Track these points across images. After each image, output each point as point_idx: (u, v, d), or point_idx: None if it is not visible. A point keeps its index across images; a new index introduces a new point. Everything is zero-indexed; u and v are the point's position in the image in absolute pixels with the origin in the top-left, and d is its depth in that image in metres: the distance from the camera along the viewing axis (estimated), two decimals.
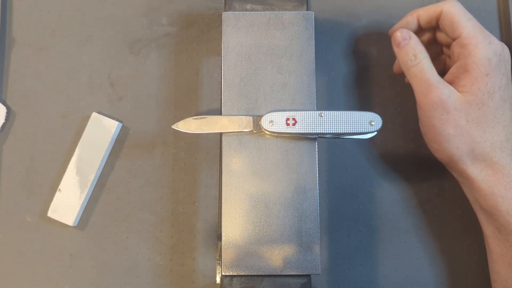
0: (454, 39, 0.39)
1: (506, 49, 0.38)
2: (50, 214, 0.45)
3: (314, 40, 0.40)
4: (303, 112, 0.37)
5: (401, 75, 0.45)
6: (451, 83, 0.38)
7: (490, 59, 0.37)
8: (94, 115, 0.46)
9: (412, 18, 0.41)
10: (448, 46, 0.42)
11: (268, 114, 0.37)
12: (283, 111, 0.37)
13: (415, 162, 0.46)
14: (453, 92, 0.37)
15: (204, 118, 0.39)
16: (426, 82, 0.38)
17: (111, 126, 0.46)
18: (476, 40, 0.37)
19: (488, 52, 0.37)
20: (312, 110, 0.37)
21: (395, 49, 0.40)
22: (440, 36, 0.42)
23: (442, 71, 0.40)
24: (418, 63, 0.38)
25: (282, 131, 0.37)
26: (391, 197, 0.45)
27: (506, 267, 0.37)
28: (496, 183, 0.37)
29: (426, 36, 0.43)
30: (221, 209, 0.38)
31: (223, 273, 0.37)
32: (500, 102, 0.37)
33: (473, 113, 0.37)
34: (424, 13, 0.40)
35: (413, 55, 0.39)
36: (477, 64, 0.37)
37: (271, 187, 0.38)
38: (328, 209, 0.45)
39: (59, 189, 0.45)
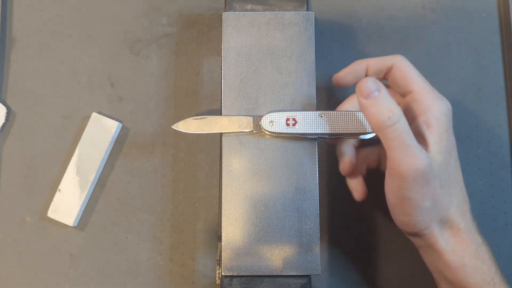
0: (403, 94, 0.37)
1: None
2: (50, 214, 0.45)
3: (314, 41, 0.40)
4: (303, 112, 0.37)
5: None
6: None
7: (446, 115, 0.35)
8: (94, 115, 0.46)
9: (361, 67, 0.38)
10: None
11: (268, 114, 0.37)
12: (283, 111, 0.37)
13: None
14: (431, 159, 0.33)
15: (204, 118, 0.39)
16: (408, 148, 0.32)
17: (111, 126, 0.46)
18: (431, 95, 0.35)
19: (444, 108, 0.35)
20: (312, 110, 0.37)
21: (362, 101, 0.34)
22: None
23: None
24: (397, 122, 0.32)
25: (282, 132, 0.37)
26: None
27: None
28: (465, 253, 0.34)
29: None
30: (221, 210, 0.38)
31: (223, 274, 0.37)
32: (456, 160, 0.35)
33: (443, 176, 0.34)
34: (374, 64, 0.38)
35: (389, 111, 0.32)
36: (438, 119, 0.35)
37: (271, 187, 0.38)
38: (328, 209, 0.45)
39: (59, 189, 0.45)
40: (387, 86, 0.39)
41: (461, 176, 0.36)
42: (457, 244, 0.34)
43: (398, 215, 0.35)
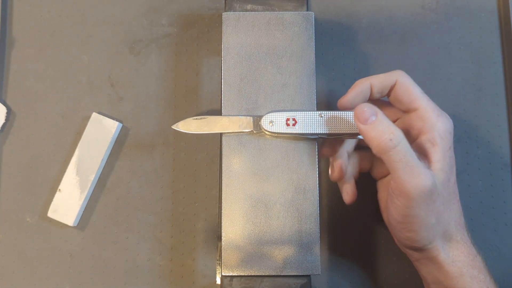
0: (406, 111, 0.38)
1: None
2: (50, 214, 0.45)
3: (314, 41, 0.40)
4: (303, 112, 0.37)
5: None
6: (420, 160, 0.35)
7: (450, 133, 0.36)
8: (94, 115, 0.46)
9: (366, 87, 0.37)
10: None
11: (268, 114, 0.37)
12: (283, 111, 0.37)
13: None
14: (435, 177, 0.34)
15: (204, 118, 0.39)
16: (413, 168, 0.33)
17: (111, 127, 0.46)
18: (437, 113, 0.36)
19: (448, 126, 0.36)
20: (312, 111, 0.37)
21: (361, 126, 0.34)
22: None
23: None
24: (398, 143, 0.33)
25: (282, 132, 0.37)
26: None
27: None
28: (464, 264, 0.35)
29: None
30: (221, 210, 0.38)
31: (223, 274, 0.37)
32: (455, 176, 0.37)
33: (445, 194, 0.35)
34: (378, 82, 0.37)
35: (390, 133, 0.33)
36: (442, 137, 0.35)
37: (271, 187, 0.38)
38: (328, 209, 0.45)
39: (59, 189, 0.45)
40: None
41: (457, 190, 0.37)
42: (456, 255, 0.36)
43: (404, 231, 0.36)
